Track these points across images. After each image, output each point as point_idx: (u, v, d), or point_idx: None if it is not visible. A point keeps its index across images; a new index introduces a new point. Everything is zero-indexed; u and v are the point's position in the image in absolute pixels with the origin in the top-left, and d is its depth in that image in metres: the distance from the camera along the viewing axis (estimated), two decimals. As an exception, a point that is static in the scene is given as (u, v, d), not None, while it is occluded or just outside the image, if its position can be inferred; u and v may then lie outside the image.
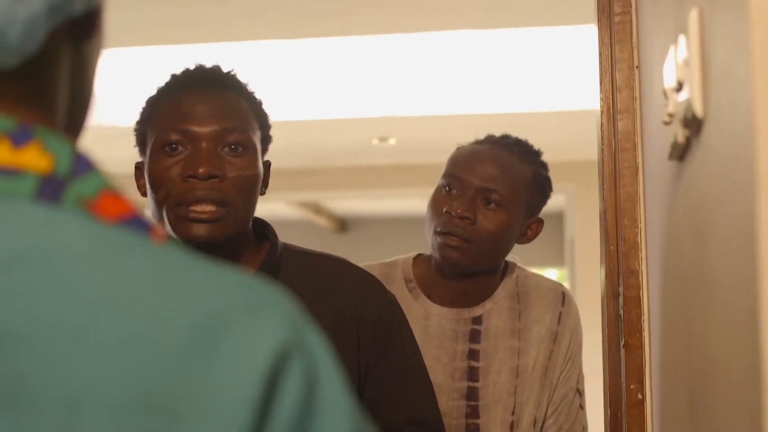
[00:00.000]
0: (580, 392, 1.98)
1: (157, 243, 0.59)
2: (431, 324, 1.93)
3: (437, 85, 5.34)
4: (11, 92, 0.61)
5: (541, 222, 2.00)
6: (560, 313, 1.98)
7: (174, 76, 1.59)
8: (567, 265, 8.85)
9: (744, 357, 0.78)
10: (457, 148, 2.03)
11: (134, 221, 0.60)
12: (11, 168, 0.58)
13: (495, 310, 1.98)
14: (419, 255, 2.07)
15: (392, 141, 6.66)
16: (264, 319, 0.56)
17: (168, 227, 1.50)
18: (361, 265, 2.01)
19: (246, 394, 0.53)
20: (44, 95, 0.63)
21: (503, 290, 2.00)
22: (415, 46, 4.73)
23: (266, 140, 1.59)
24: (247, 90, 1.58)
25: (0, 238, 0.55)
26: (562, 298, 2.01)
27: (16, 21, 0.58)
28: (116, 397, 0.52)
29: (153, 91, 1.59)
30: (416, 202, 10.10)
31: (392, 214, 11.18)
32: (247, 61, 4.61)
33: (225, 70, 1.59)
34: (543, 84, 5.28)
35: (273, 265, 1.56)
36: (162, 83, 1.58)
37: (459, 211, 1.88)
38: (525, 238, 1.99)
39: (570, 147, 5.80)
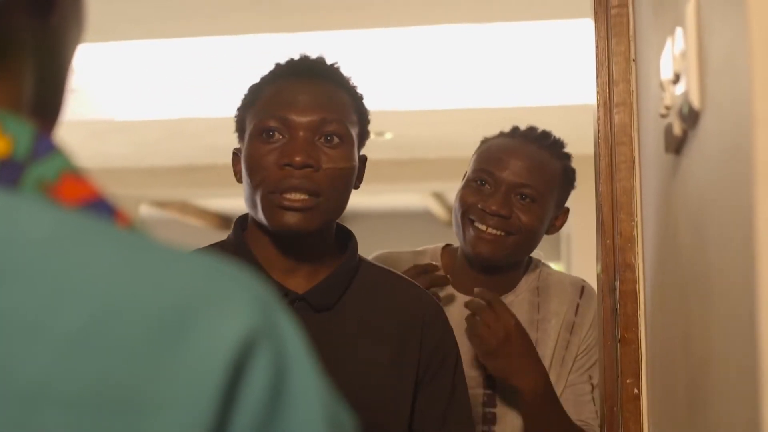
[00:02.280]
0: (593, 385, 1.98)
1: (122, 227, 0.56)
2: (454, 311, 1.96)
3: (433, 80, 5.33)
4: None
5: (567, 211, 2.05)
6: (578, 305, 2.01)
7: (278, 65, 1.60)
8: (563, 259, 8.85)
9: (741, 351, 0.77)
10: (483, 142, 2.05)
11: (97, 204, 0.57)
12: None
13: (516, 302, 2.01)
14: (448, 245, 2.11)
15: (388, 136, 6.66)
16: (230, 308, 0.53)
17: (260, 214, 1.50)
18: (387, 251, 2.06)
19: (209, 384, 0.51)
20: (5, 76, 0.60)
21: (526, 284, 2.04)
22: (411, 40, 4.72)
23: (364, 135, 1.60)
24: (348, 83, 1.59)
25: None
26: (581, 291, 2.03)
27: None
28: (74, 391, 0.50)
29: (256, 79, 1.60)
30: (412, 197, 10.10)
31: (388, 208, 11.18)
32: (243, 54, 4.60)
33: (329, 62, 1.60)
34: (540, 78, 5.27)
35: (348, 272, 1.58)
36: (266, 72, 1.60)
37: (494, 208, 1.91)
38: (554, 228, 2.03)
39: (567, 141, 5.79)
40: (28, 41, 0.62)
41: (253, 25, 4.34)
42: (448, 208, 10.31)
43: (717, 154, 0.87)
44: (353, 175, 1.55)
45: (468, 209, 1.95)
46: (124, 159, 7.46)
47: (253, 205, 1.52)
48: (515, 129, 2.03)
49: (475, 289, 1.88)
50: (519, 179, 1.93)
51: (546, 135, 2.01)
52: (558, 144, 2.01)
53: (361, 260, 1.63)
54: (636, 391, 1.51)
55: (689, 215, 1.05)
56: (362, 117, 1.59)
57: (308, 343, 0.58)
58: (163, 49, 4.75)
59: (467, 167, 2.03)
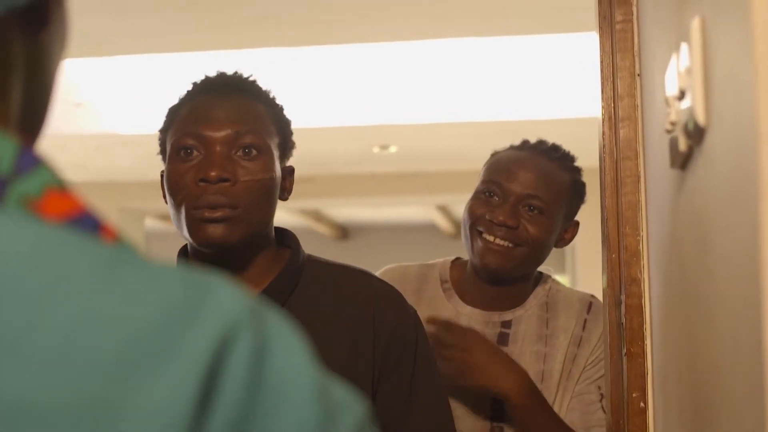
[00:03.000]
0: (602, 395, 1.98)
1: (107, 242, 0.56)
2: (461, 323, 1.95)
3: (438, 93, 5.34)
4: None
5: (577, 224, 2.04)
6: (585, 320, 2.01)
7: (194, 84, 1.60)
8: (568, 272, 8.84)
9: (746, 365, 0.77)
10: (493, 155, 2.05)
11: (82, 220, 0.56)
12: None
13: (525, 317, 2.01)
14: (457, 259, 2.11)
15: (393, 149, 6.67)
16: (206, 316, 0.53)
17: (185, 232, 1.50)
18: (396, 265, 2.06)
19: (185, 395, 0.50)
20: None
21: (535, 299, 2.03)
22: (415, 54, 4.73)
23: (286, 145, 1.59)
24: (265, 95, 1.59)
25: None
26: (589, 306, 2.03)
27: None
28: (52, 406, 0.49)
29: (174, 100, 1.60)
30: (417, 210, 10.10)
31: (393, 221, 11.18)
32: (250, 68, 4.60)
33: (244, 76, 1.61)
34: (544, 92, 5.28)
35: (293, 274, 1.56)
36: (183, 91, 1.60)
37: (501, 218, 1.91)
38: (563, 241, 2.03)
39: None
40: (19, 57, 0.61)
41: (258, 40, 4.35)
42: (453, 221, 10.31)
43: (722, 171, 0.87)
44: (273, 186, 1.53)
45: (476, 221, 1.95)
46: (129, 172, 7.48)
47: (178, 223, 1.52)
48: (525, 142, 2.04)
49: (427, 325, 1.82)
50: (527, 190, 1.93)
51: (556, 148, 2.01)
52: (568, 157, 2.02)
53: (309, 259, 1.61)
54: (642, 404, 1.51)
55: (694, 231, 1.05)
56: (282, 128, 1.58)
57: (297, 327, 0.57)
58: (168, 63, 4.77)
59: (477, 181, 2.04)
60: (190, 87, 1.60)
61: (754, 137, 0.73)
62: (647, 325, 1.52)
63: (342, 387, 0.57)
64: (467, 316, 1.99)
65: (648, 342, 1.52)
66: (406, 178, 7.52)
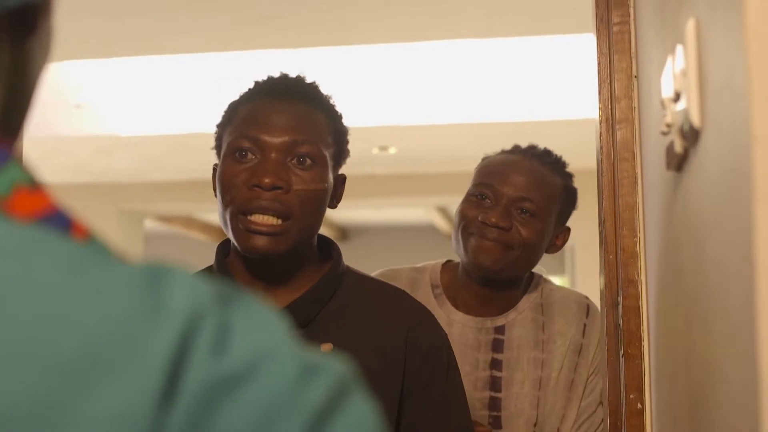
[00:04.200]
0: (602, 404, 1.97)
1: (77, 241, 0.54)
2: (454, 331, 1.94)
3: (437, 94, 5.35)
4: None
5: (568, 231, 2.03)
6: (585, 326, 1.99)
7: (256, 83, 1.60)
8: (568, 273, 8.84)
9: (742, 366, 0.78)
10: (484, 159, 2.05)
11: (52, 218, 0.55)
12: None
13: (518, 320, 1.99)
14: (448, 261, 2.09)
15: (392, 150, 6.67)
16: (166, 314, 0.52)
17: (230, 233, 1.51)
18: (387, 269, 2.04)
19: (145, 395, 0.50)
20: None
21: (527, 301, 2.01)
22: (414, 55, 4.74)
23: (341, 155, 1.59)
24: (326, 102, 1.59)
25: None
26: (587, 310, 2.01)
27: None
28: (6, 407, 0.48)
29: (235, 96, 1.60)
30: (417, 211, 10.10)
31: (392, 222, 11.18)
32: (248, 70, 4.61)
33: (308, 80, 1.60)
34: (543, 93, 5.28)
35: (330, 284, 1.56)
36: (244, 89, 1.60)
37: (494, 220, 1.90)
38: (554, 247, 2.01)
39: (571, 155, 5.78)
40: (4, 61, 0.61)
41: (259, 41, 4.36)
42: (452, 222, 10.29)
43: (717, 172, 0.88)
44: (325, 196, 1.53)
45: (468, 223, 1.94)
46: (130, 174, 7.47)
47: (224, 223, 1.52)
48: (516, 146, 2.03)
49: None
50: (519, 193, 1.93)
51: (547, 153, 2.01)
52: (560, 162, 2.01)
53: (347, 270, 1.61)
54: (639, 406, 1.52)
55: (690, 232, 1.06)
56: (339, 137, 1.58)
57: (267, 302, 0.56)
58: (168, 64, 4.77)
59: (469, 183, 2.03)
60: (251, 85, 1.59)
61: (747, 139, 0.73)
62: (644, 327, 1.53)
63: (320, 353, 0.56)
64: (460, 323, 1.97)
65: (645, 343, 1.52)
66: (405, 180, 7.52)
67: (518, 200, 1.93)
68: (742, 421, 0.79)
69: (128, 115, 5.66)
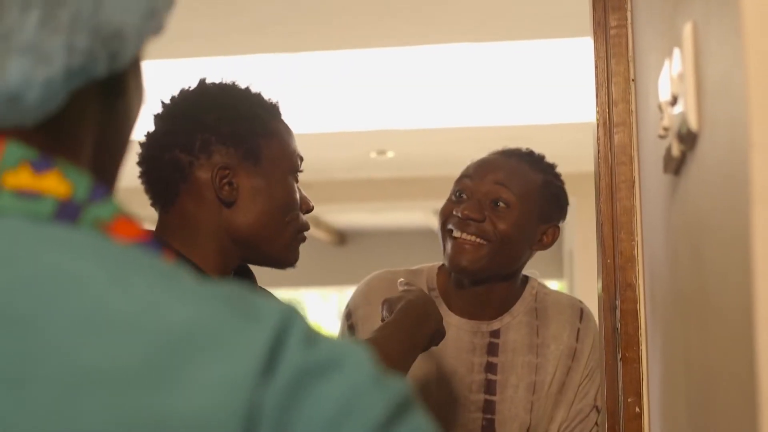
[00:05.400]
0: (598, 409, 1.96)
1: (167, 263, 0.64)
2: (449, 335, 1.93)
3: (435, 98, 5.35)
4: (33, 138, 0.66)
5: (557, 228, 2.00)
6: (578, 330, 1.99)
7: None
8: (566, 277, 8.85)
9: (739, 369, 0.78)
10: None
11: (147, 243, 0.65)
12: (32, 191, 0.63)
13: (513, 324, 1.99)
14: (444, 264, 2.07)
15: (390, 154, 6.67)
16: (261, 317, 0.60)
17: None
18: (384, 270, 2.04)
19: (248, 369, 0.58)
20: (67, 144, 0.68)
21: (522, 305, 2.01)
22: (412, 60, 4.74)
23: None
24: None
25: (20, 254, 0.61)
26: (581, 314, 2.01)
27: (33, 84, 0.63)
28: (118, 372, 0.57)
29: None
30: (415, 215, 10.10)
31: (391, 226, 11.18)
32: (247, 74, 4.61)
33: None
34: (541, 97, 5.28)
35: None
36: None
37: (466, 212, 1.90)
38: (541, 245, 1.99)
39: (569, 159, 5.79)
40: (94, 117, 0.70)
41: (256, 46, 4.36)
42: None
43: (714, 176, 0.88)
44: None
45: (446, 219, 1.95)
46: (127, 177, 7.47)
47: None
48: (501, 149, 2.04)
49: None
50: (493, 186, 1.92)
51: (529, 152, 2.01)
52: (541, 161, 2.00)
53: None
54: (637, 409, 1.51)
55: (688, 235, 1.05)
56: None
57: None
58: (167, 70, 4.77)
59: None
60: None
61: (745, 142, 0.73)
62: (642, 330, 1.53)
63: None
64: (456, 326, 1.96)
65: (643, 347, 1.52)
66: (403, 184, 7.52)
67: (492, 193, 1.92)
68: (741, 425, 0.79)
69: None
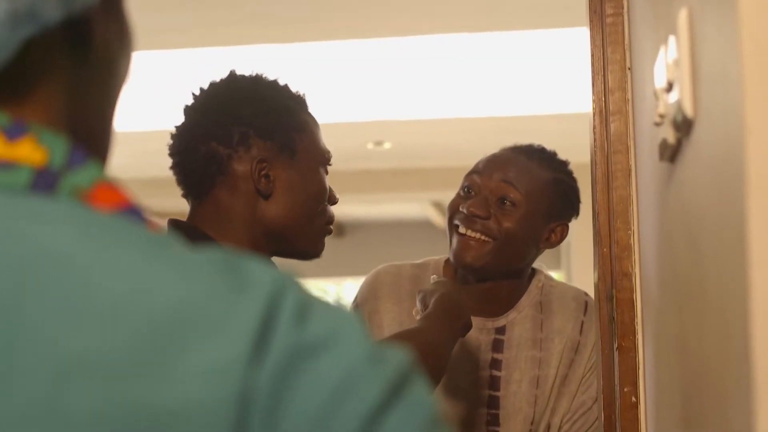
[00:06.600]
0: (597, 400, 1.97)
1: (153, 231, 0.61)
2: None
3: (432, 89, 5.34)
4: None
5: (566, 226, 1.99)
6: (582, 323, 1.98)
7: None
8: (563, 267, 8.85)
9: (735, 359, 0.77)
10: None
11: (130, 211, 0.61)
12: (5, 161, 0.59)
13: (518, 319, 1.98)
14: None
15: (387, 145, 6.66)
16: (251, 288, 0.57)
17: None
18: (389, 264, 2.04)
19: (236, 353, 0.55)
20: (34, 102, 0.63)
21: (527, 299, 2.00)
22: (409, 50, 4.73)
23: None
24: None
25: None
26: (585, 307, 2.00)
27: None
28: (107, 359, 0.54)
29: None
30: (413, 206, 10.10)
31: (389, 218, 11.18)
32: (243, 65, 4.60)
33: None
34: (537, 87, 5.28)
35: None
36: None
37: (472, 209, 1.90)
38: (549, 243, 1.98)
39: (566, 149, 5.79)
40: (62, 72, 0.64)
41: (251, 37, 4.35)
42: (448, 217, 10.28)
43: (710, 163, 0.87)
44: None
45: (453, 214, 1.95)
46: (125, 170, 7.46)
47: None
48: (509, 146, 2.04)
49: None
50: (500, 183, 1.92)
51: (540, 149, 2.00)
52: (552, 158, 1.99)
53: None
54: (634, 399, 1.51)
55: (684, 224, 1.05)
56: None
57: None
58: (163, 60, 4.76)
59: None
60: None
61: (740, 129, 0.73)
62: (638, 320, 1.52)
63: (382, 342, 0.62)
64: None
65: (639, 336, 1.52)
66: (400, 175, 7.52)
67: (498, 190, 1.92)
68: (736, 414, 0.78)
69: (122, 110, 5.65)
